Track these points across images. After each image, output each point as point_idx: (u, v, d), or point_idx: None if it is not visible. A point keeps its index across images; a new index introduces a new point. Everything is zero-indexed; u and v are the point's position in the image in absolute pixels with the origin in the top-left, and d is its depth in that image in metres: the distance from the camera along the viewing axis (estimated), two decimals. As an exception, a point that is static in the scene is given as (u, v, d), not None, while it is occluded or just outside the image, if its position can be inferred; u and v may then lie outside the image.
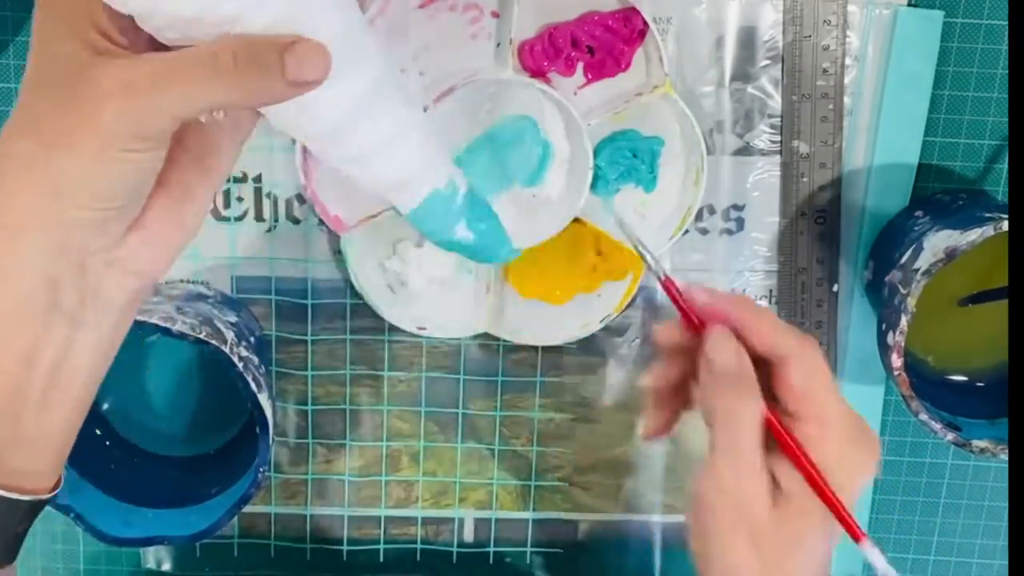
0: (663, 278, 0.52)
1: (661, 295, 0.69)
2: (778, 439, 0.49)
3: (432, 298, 0.67)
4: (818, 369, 0.49)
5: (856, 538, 0.49)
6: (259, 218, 0.68)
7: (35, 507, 0.46)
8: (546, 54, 0.63)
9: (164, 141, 0.42)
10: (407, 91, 0.48)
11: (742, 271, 0.69)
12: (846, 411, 0.49)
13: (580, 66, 0.64)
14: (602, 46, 0.63)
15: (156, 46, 0.42)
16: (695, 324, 0.51)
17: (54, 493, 0.47)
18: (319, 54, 0.41)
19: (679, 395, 0.54)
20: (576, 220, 0.65)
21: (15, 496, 0.44)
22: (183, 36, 0.41)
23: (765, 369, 0.50)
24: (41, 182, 0.41)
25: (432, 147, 0.50)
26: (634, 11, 0.62)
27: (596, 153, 0.65)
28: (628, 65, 0.64)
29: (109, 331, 0.45)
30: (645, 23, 0.62)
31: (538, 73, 0.63)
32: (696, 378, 0.51)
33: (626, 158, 0.65)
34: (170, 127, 0.41)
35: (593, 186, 0.65)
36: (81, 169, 0.41)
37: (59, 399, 0.45)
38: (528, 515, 0.73)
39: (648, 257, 0.53)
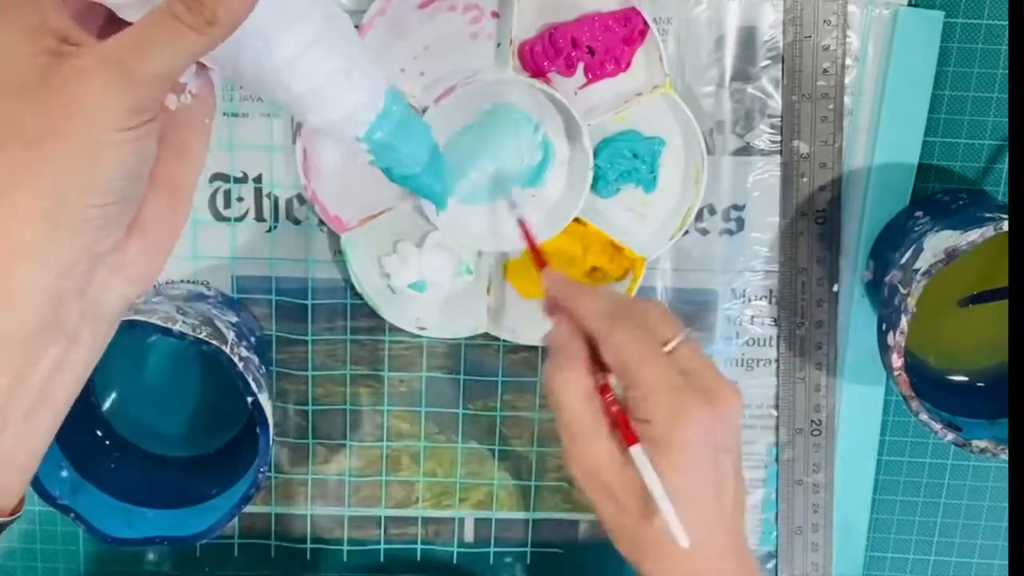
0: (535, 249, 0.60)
1: (661, 296, 0.69)
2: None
3: (432, 298, 0.67)
4: (625, 344, 0.52)
5: (627, 441, 0.51)
6: (259, 218, 0.68)
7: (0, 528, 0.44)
8: (546, 54, 0.63)
9: (156, 112, 0.41)
10: (347, 22, 0.49)
11: (742, 271, 0.69)
12: (670, 372, 0.52)
13: (580, 66, 0.64)
14: (602, 46, 0.63)
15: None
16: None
17: (18, 515, 0.45)
18: None
19: None
20: (576, 220, 0.65)
21: None
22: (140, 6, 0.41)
23: None
24: (40, 189, 0.40)
25: (371, 64, 0.50)
26: (634, 11, 0.62)
27: (596, 153, 0.65)
28: (628, 65, 0.64)
29: (100, 343, 0.44)
30: (645, 23, 0.62)
31: (538, 73, 0.63)
32: None
33: (626, 158, 0.65)
34: (160, 93, 0.40)
35: (593, 186, 0.65)
36: (79, 162, 0.40)
37: (42, 417, 0.43)
38: (528, 515, 0.73)
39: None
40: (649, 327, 0.53)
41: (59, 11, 0.41)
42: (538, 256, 0.60)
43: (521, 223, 0.62)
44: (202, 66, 0.46)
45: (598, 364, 0.54)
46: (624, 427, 0.52)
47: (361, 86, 0.49)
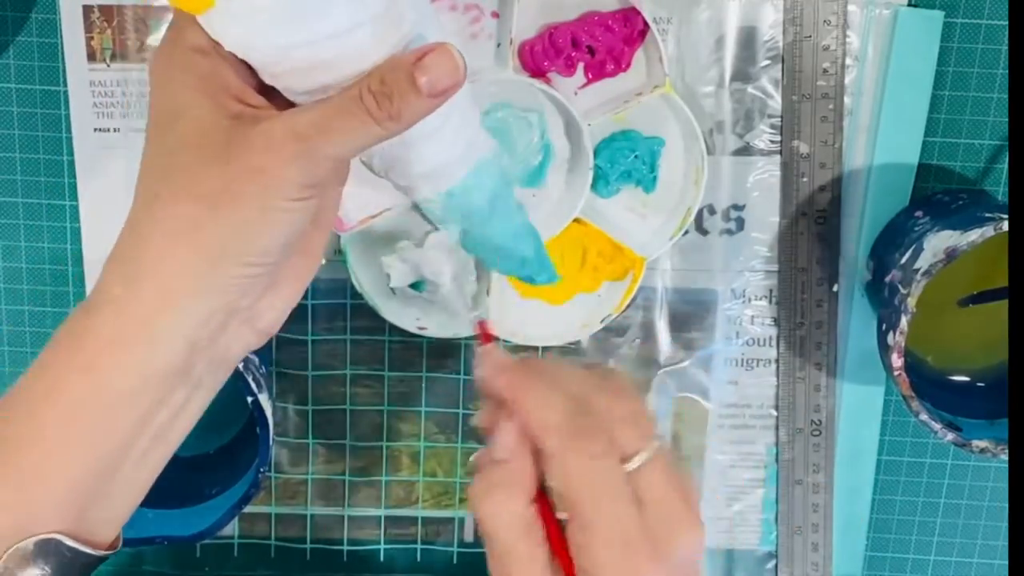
0: (477, 323, 0.51)
1: (661, 296, 0.69)
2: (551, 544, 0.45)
3: (432, 298, 0.67)
4: (578, 475, 0.44)
5: None
6: (259, 218, 0.68)
7: (99, 562, 0.45)
8: (546, 54, 0.63)
9: (322, 189, 0.43)
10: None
11: (742, 271, 0.69)
12: (624, 512, 0.44)
13: (580, 66, 0.64)
14: (602, 46, 0.63)
15: (288, 107, 0.43)
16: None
17: (116, 550, 0.46)
18: (447, 58, 0.41)
19: None
20: (576, 220, 0.65)
21: (88, 551, 0.44)
22: (309, 88, 0.42)
23: None
24: (204, 244, 0.41)
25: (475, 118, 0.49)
26: (634, 11, 0.62)
27: (596, 153, 0.64)
28: (628, 65, 0.64)
29: (217, 388, 0.46)
30: (645, 23, 0.62)
31: (538, 73, 0.63)
32: None
33: (626, 158, 0.65)
34: (332, 172, 0.43)
35: (593, 186, 0.65)
36: (247, 226, 0.41)
37: (155, 455, 0.45)
38: (528, 515, 0.73)
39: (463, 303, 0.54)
40: (613, 436, 0.45)
41: (237, 74, 0.43)
42: (483, 330, 0.51)
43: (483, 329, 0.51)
44: None
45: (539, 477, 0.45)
46: None
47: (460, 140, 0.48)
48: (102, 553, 0.45)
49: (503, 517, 0.45)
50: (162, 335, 0.42)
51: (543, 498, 0.45)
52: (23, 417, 0.43)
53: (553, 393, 0.45)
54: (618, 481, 0.44)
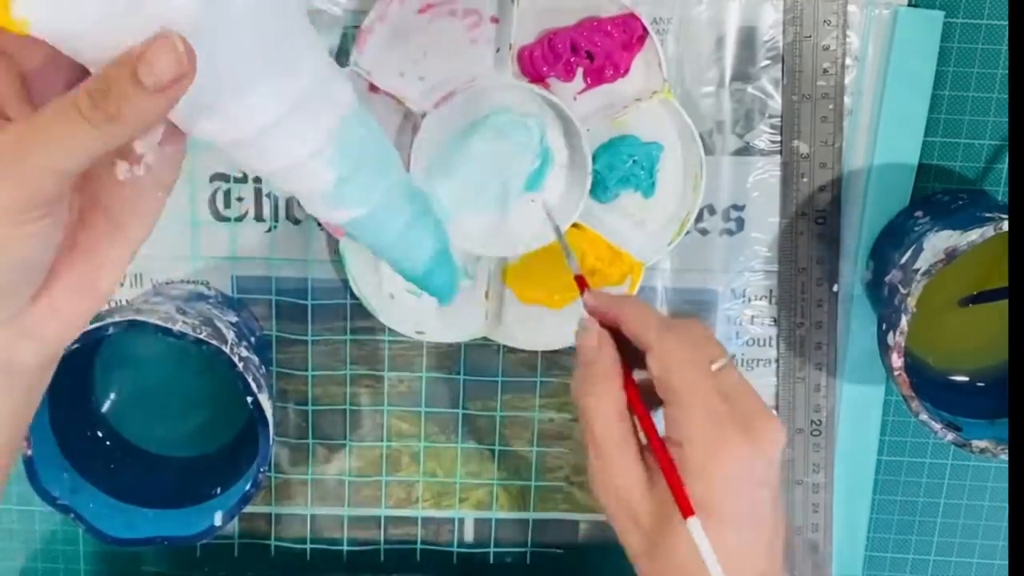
0: (577, 275, 0.57)
1: (661, 295, 0.69)
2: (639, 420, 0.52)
3: (430, 303, 0.67)
4: (673, 357, 0.51)
5: (684, 513, 0.48)
6: (259, 218, 0.68)
7: None
8: (545, 60, 0.63)
9: (57, 205, 0.39)
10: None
11: (742, 271, 0.69)
12: (714, 395, 0.50)
13: (579, 71, 0.64)
14: (601, 52, 0.63)
15: None
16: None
17: None
18: (167, 46, 0.35)
19: None
20: (575, 225, 0.65)
21: None
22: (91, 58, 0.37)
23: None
24: None
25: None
26: (633, 17, 0.62)
27: (595, 158, 0.64)
28: (627, 71, 0.64)
29: (24, 395, 0.44)
30: (644, 29, 0.62)
31: (537, 79, 0.63)
32: None
33: (625, 164, 0.65)
34: (58, 188, 0.38)
35: (592, 191, 0.64)
36: None
37: None
38: (528, 515, 0.73)
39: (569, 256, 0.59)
40: (697, 343, 0.52)
41: (5, 78, 0.39)
42: (581, 280, 0.57)
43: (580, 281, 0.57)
44: (171, 135, 0.41)
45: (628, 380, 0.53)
46: (678, 490, 0.48)
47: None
48: None
49: (603, 403, 0.52)
50: None
51: (632, 389, 0.52)
52: None
53: (645, 306, 0.55)
54: (708, 370, 0.51)
